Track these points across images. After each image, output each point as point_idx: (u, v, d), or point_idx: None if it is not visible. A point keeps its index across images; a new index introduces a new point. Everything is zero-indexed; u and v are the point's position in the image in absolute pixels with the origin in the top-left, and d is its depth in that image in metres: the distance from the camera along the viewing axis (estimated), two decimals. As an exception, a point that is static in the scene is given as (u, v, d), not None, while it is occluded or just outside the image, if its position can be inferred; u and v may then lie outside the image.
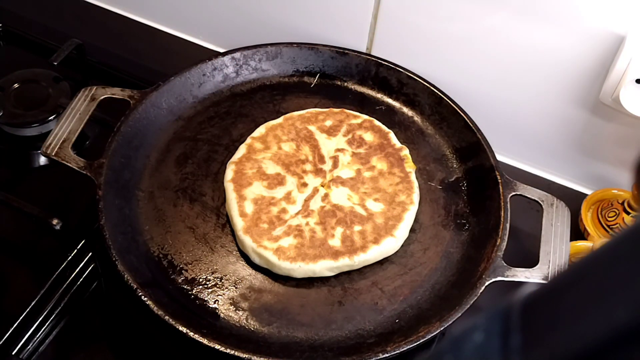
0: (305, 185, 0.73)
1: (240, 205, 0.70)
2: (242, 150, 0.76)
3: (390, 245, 0.69)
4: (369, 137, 0.78)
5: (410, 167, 0.76)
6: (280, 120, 0.79)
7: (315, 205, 0.72)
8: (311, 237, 0.69)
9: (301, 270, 0.67)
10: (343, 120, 0.79)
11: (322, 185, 0.73)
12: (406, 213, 0.71)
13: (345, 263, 0.68)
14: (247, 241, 0.68)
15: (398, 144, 0.77)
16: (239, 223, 0.69)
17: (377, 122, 0.80)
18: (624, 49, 0.68)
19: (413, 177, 0.75)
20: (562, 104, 0.77)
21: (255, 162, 0.74)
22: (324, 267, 0.67)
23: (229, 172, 0.73)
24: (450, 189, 0.77)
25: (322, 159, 0.76)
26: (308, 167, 0.75)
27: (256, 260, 0.68)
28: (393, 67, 0.82)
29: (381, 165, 0.76)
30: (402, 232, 0.71)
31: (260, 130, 0.77)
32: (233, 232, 0.71)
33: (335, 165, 0.75)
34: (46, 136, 0.72)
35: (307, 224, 0.70)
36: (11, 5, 0.97)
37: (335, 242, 0.69)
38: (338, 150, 0.76)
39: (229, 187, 0.72)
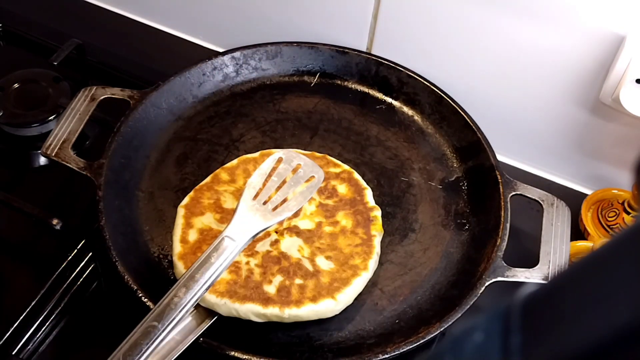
0: None
1: (185, 232, 0.67)
2: (207, 178, 0.72)
3: (328, 306, 0.63)
4: (342, 189, 0.72)
5: (376, 230, 0.69)
6: (256, 155, 0.74)
7: (262, 247, 0.67)
8: (247, 277, 0.64)
9: (225, 308, 0.62)
10: (322, 166, 0.70)
11: (276, 232, 0.68)
12: (356, 278, 0.65)
13: (274, 313, 0.62)
14: (179, 267, 0.65)
15: (372, 203, 0.71)
16: (176, 248, 0.66)
17: (356, 175, 0.74)
18: (624, 49, 0.68)
19: (376, 241, 0.68)
20: (562, 103, 0.77)
21: (215, 192, 0.70)
22: (249, 311, 0.62)
23: (186, 198, 0.70)
24: (450, 189, 0.77)
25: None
26: None
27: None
28: (393, 66, 0.82)
29: (346, 222, 0.69)
30: (345, 296, 0.64)
31: (233, 162, 0.74)
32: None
33: (296, 213, 0.68)
34: (46, 136, 0.72)
35: (247, 263, 0.65)
36: (11, 5, 0.97)
37: (271, 289, 0.63)
38: None
39: (180, 212, 0.69)
